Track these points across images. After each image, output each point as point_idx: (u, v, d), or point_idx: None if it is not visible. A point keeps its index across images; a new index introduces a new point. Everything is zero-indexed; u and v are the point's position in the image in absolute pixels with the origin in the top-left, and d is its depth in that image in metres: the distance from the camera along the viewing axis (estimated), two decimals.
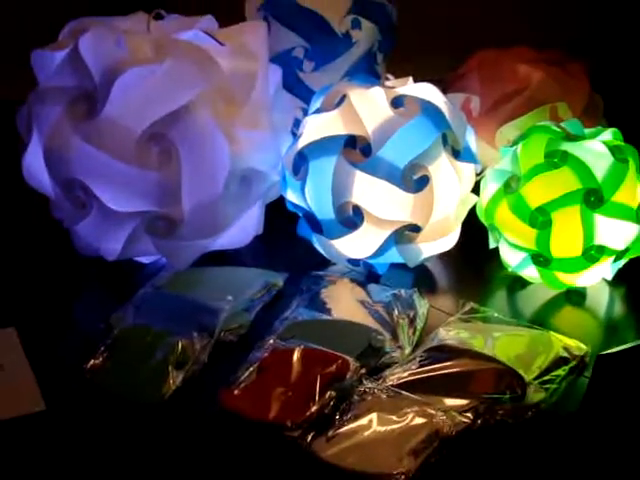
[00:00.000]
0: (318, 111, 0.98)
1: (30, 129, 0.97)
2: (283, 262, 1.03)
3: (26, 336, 0.88)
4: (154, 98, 0.92)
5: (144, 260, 1.03)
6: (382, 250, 0.97)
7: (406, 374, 0.79)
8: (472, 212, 1.01)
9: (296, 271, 1.00)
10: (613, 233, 0.92)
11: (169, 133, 0.93)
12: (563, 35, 1.46)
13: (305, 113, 1.07)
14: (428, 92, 0.96)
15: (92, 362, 0.83)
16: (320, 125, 0.96)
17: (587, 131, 0.96)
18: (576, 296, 0.97)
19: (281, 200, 1.04)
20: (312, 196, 0.98)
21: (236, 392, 0.79)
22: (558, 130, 0.95)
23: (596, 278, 0.97)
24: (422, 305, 0.93)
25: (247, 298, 0.94)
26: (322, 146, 0.95)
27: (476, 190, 1.00)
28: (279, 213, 1.06)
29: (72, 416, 0.79)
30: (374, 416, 0.74)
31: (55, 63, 0.95)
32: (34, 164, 0.97)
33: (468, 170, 0.99)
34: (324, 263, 1.03)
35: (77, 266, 1.02)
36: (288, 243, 1.07)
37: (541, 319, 0.94)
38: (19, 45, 1.13)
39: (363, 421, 0.74)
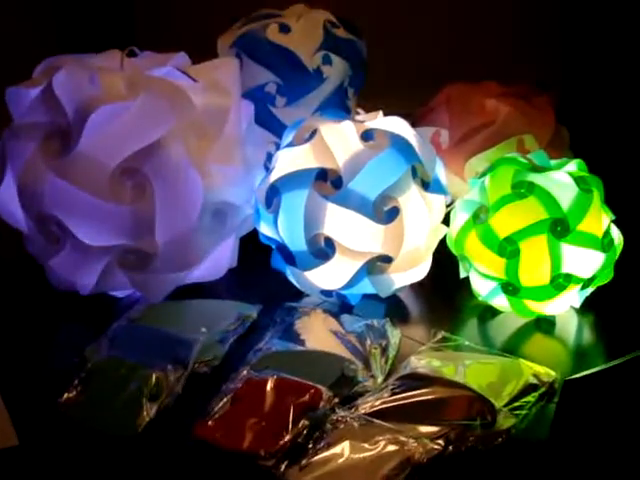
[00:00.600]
0: (290, 145, 1.00)
1: (4, 165, 0.97)
2: (257, 294, 1.04)
3: None
4: (127, 134, 0.94)
5: (118, 294, 1.03)
6: (354, 281, 0.98)
7: (378, 402, 0.80)
8: (442, 242, 1.02)
9: (270, 303, 1.01)
10: (580, 262, 0.94)
11: (142, 168, 0.94)
12: (529, 69, 1.49)
13: (278, 147, 1.08)
14: (397, 125, 0.98)
15: (66, 396, 0.83)
16: (292, 159, 0.98)
17: (553, 162, 0.98)
18: (545, 324, 0.99)
19: (254, 233, 1.05)
20: (285, 228, 0.99)
21: (210, 423, 0.79)
22: (524, 161, 0.97)
23: (564, 306, 0.98)
24: (394, 335, 0.94)
25: (221, 330, 0.94)
26: (294, 179, 0.97)
27: (446, 221, 1.02)
28: (253, 246, 1.07)
29: (46, 450, 0.79)
30: (347, 444, 0.75)
31: (29, 100, 0.96)
32: (8, 199, 0.98)
33: (438, 201, 1.01)
34: (298, 295, 1.04)
35: (51, 300, 1.02)
36: (262, 275, 1.08)
37: (511, 347, 0.95)
38: None
39: (336, 449, 0.75)
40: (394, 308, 1.02)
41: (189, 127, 0.96)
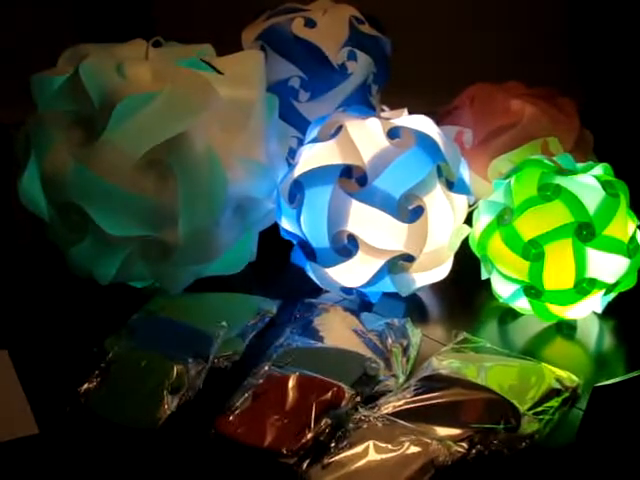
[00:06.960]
0: (314, 140, 0.99)
1: (28, 152, 0.97)
2: (275, 289, 1.04)
3: (19, 359, 0.88)
4: (152, 124, 0.93)
5: (138, 284, 1.03)
6: (375, 279, 0.98)
7: (401, 403, 0.80)
8: (465, 243, 1.02)
9: (288, 299, 1.00)
10: (604, 266, 0.93)
11: (167, 159, 0.93)
12: (554, 71, 1.49)
13: (300, 142, 1.07)
14: (423, 124, 0.97)
15: (86, 386, 0.83)
16: (317, 154, 0.97)
17: (579, 166, 0.97)
18: (567, 328, 0.98)
19: (274, 227, 1.05)
20: (307, 224, 0.98)
21: (231, 418, 0.79)
22: (551, 164, 0.96)
23: (586, 311, 0.98)
24: (415, 334, 0.94)
25: (241, 324, 0.94)
26: (318, 175, 0.96)
27: (469, 221, 1.01)
28: (273, 240, 1.06)
29: (65, 440, 0.79)
30: (370, 444, 0.74)
31: (54, 88, 0.96)
32: (31, 187, 0.97)
33: (461, 201, 1.00)
34: (316, 291, 1.03)
35: (71, 289, 1.02)
36: (281, 270, 1.07)
37: (532, 350, 0.94)
38: (12, 70, 1.14)
39: (359, 449, 0.74)
40: (414, 307, 1.02)
41: (214, 119, 0.96)
